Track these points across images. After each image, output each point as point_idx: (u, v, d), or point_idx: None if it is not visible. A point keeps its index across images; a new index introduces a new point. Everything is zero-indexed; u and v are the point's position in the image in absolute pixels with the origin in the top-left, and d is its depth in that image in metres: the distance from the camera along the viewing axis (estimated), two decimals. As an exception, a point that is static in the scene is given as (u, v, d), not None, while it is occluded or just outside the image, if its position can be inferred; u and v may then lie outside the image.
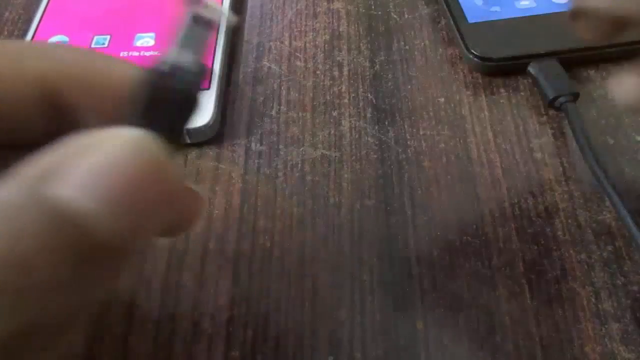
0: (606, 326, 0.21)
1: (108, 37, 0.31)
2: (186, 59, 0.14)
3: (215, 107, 0.28)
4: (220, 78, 0.29)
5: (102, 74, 0.14)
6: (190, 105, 0.14)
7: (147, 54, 0.30)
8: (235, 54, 0.32)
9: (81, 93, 0.14)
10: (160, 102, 0.13)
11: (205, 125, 0.27)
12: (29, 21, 0.33)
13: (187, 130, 0.27)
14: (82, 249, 0.10)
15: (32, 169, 0.10)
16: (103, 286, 0.10)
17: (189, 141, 0.27)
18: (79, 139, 0.11)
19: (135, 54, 0.30)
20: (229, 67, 0.31)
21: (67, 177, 0.10)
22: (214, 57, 0.30)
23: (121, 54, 0.30)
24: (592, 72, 0.30)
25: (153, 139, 0.11)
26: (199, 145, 0.27)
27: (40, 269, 0.09)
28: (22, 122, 0.13)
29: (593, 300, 0.22)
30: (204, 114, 0.27)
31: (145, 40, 0.31)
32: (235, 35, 0.33)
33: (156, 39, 0.31)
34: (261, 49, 0.32)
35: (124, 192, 0.10)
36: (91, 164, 0.10)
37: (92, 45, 0.31)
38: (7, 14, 0.34)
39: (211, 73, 0.29)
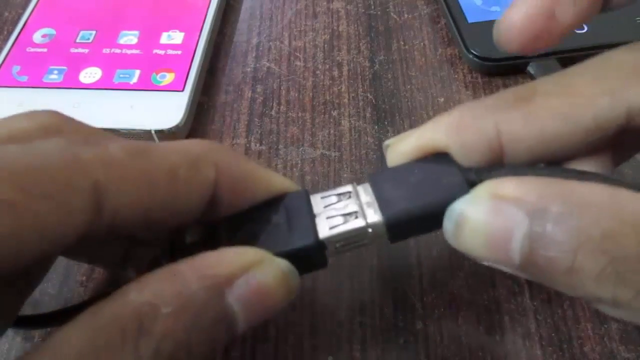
0: (605, 326, 0.21)
1: (94, 32, 0.31)
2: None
3: (186, 110, 0.27)
4: (195, 82, 0.29)
5: (259, 187, 0.17)
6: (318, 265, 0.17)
7: (129, 52, 0.30)
8: (235, 54, 0.32)
9: (234, 195, 0.17)
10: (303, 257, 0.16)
11: (175, 127, 0.27)
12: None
13: (155, 132, 0.27)
14: (222, 341, 0.14)
15: (213, 270, 0.14)
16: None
17: (156, 141, 0.27)
18: (246, 254, 0.15)
19: (117, 51, 0.30)
20: (228, 66, 0.31)
21: (237, 290, 0.14)
22: (192, 61, 0.29)
23: (104, 51, 0.30)
24: (591, 72, 0.30)
25: (294, 273, 0.16)
26: (198, 145, 0.27)
27: (198, 352, 0.13)
28: (186, 212, 0.16)
29: (593, 300, 0.22)
30: (174, 116, 0.27)
31: (129, 38, 0.31)
32: (235, 35, 0.33)
33: (139, 37, 0.31)
34: (261, 48, 0.32)
35: (265, 310, 0.15)
36: (259, 282, 0.14)
37: (77, 40, 0.31)
38: (7, 13, 0.34)
39: (187, 76, 0.29)
